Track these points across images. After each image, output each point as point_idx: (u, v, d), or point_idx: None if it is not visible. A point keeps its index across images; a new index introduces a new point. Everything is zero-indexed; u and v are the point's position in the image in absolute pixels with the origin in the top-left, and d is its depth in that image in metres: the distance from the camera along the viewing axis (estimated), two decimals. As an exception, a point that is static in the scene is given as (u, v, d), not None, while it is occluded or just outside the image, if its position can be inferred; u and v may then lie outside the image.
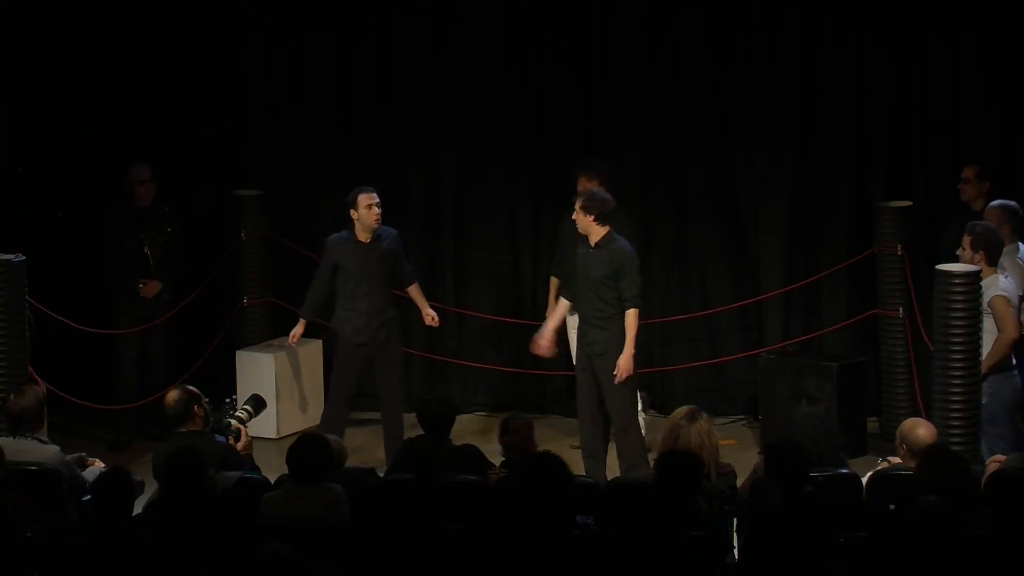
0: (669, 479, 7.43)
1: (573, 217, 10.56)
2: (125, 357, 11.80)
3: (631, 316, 10.34)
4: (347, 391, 11.00)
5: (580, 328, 10.60)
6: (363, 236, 10.88)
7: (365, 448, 11.02)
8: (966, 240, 9.92)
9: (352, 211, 10.87)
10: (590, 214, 10.44)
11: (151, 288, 11.76)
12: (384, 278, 10.97)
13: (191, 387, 8.76)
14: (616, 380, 10.30)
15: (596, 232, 10.46)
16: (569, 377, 12.45)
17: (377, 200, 10.87)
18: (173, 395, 8.69)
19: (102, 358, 11.90)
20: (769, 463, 7.77)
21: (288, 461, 7.79)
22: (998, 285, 9.78)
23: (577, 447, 11.55)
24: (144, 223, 11.77)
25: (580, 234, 10.61)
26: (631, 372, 10.32)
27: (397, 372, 11.12)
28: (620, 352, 10.30)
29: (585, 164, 11.37)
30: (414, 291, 11.22)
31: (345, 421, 10.99)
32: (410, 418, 10.40)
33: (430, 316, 11.18)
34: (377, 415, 11.21)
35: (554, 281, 11.60)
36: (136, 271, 11.75)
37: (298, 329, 11.17)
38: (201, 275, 12.22)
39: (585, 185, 11.17)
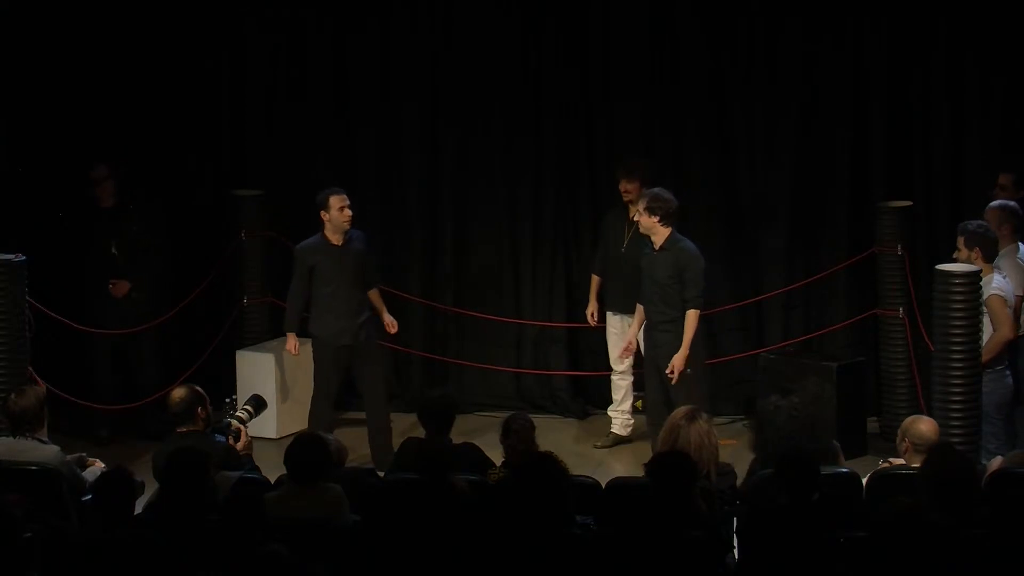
0: (661, 481, 7.40)
1: (635, 218, 10.61)
2: (99, 358, 11.78)
3: (691, 316, 10.47)
4: (332, 393, 11.08)
5: (646, 330, 10.70)
6: (335, 239, 10.91)
7: (356, 447, 11.02)
8: (960, 239, 9.94)
9: (323, 212, 10.89)
10: (655, 215, 10.51)
11: (120, 288, 11.75)
12: (358, 279, 11.02)
13: (199, 389, 8.73)
14: (672, 379, 10.42)
15: (661, 233, 10.53)
16: (569, 377, 12.48)
17: (348, 202, 10.89)
18: (180, 393, 8.66)
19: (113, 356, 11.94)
20: (778, 473, 7.73)
21: (286, 462, 7.79)
22: (993, 284, 9.79)
23: (600, 446, 11.61)
24: (108, 223, 11.73)
25: (643, 235, 10.68)
26: (683, 369, 10.41)
27: (380, 370, 11.16)
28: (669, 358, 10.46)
29: (626, 167, 11.42)
30: (375, 296, 11.23)
31: (333, 420, 11.04)
32: (410, 418, 10.40)
33: (390, 322, 11.21)
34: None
35: (595, 280, 11.67)
36: (105, 272, 11.74)
37: (292, 340, 11.20)
38: (201, 275, 12.22)
39: (626, 187, 11.24)
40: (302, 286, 11.04)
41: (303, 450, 7.78)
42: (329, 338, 10.94)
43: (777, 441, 8.24)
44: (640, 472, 10.12)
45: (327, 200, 10.88)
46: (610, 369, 11.70)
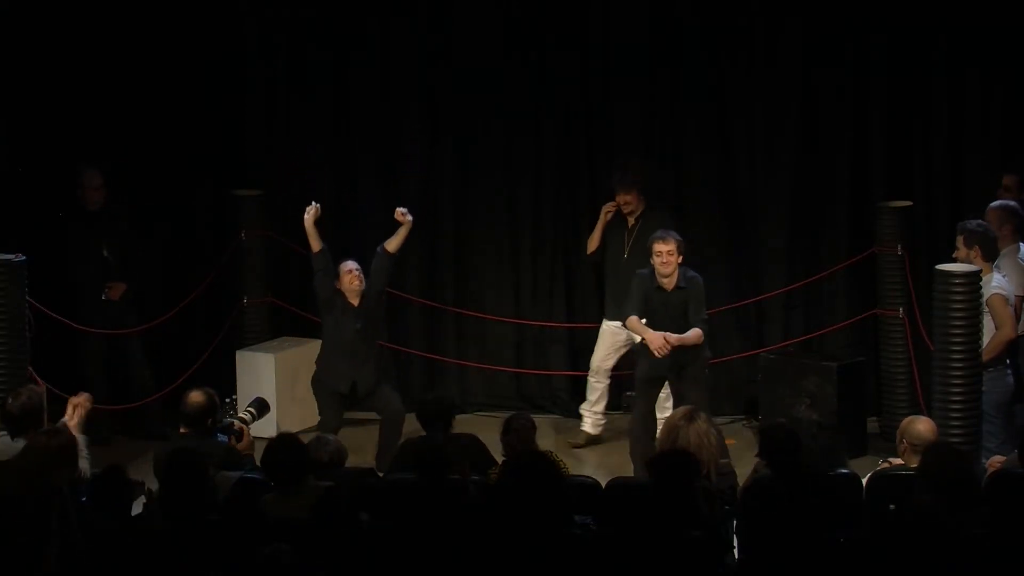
0: (662, 480, 7.41)
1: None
2: (93, 359, 11.75)
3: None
4: (334, 428, 10.83)
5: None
6: (352, 299, 10.87)
7: (363, 448, 11.02)
8: (959, 239, 9.95)
9: (336, 283, 10.89)
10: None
11: (116, 290, 11.74)
12: (368, 332, 10.88)
13: (216, 398, 8.71)
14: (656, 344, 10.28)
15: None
16: (569, 377, 12.48)
17: (356, 269, 10.84)
18: (198, 399, 8.63)
19: (107, 358, 11.92)
20: (762, 445, 7.82)
21: (263, 469, 7.79)
22: (993, 283, 9.80)
23: (579, 446, 11.61)
24: (98, 226, 11.71)
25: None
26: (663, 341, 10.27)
27: (397, 409, 10.91)
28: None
29: (620, 180, 11.39)
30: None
31: (339, 424, 10.99)
32: (410, 417, 10.40)
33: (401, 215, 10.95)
34: (375, 415, 11.17)
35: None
36: (98, 275, 11.73)
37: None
38: (201, 275, 12.23)
39: (624, 198, 11.32)
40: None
41: (275, 455, 7.75)
42: (329, 381, 10.91)
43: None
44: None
45: (337, 273, 10.87)
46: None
